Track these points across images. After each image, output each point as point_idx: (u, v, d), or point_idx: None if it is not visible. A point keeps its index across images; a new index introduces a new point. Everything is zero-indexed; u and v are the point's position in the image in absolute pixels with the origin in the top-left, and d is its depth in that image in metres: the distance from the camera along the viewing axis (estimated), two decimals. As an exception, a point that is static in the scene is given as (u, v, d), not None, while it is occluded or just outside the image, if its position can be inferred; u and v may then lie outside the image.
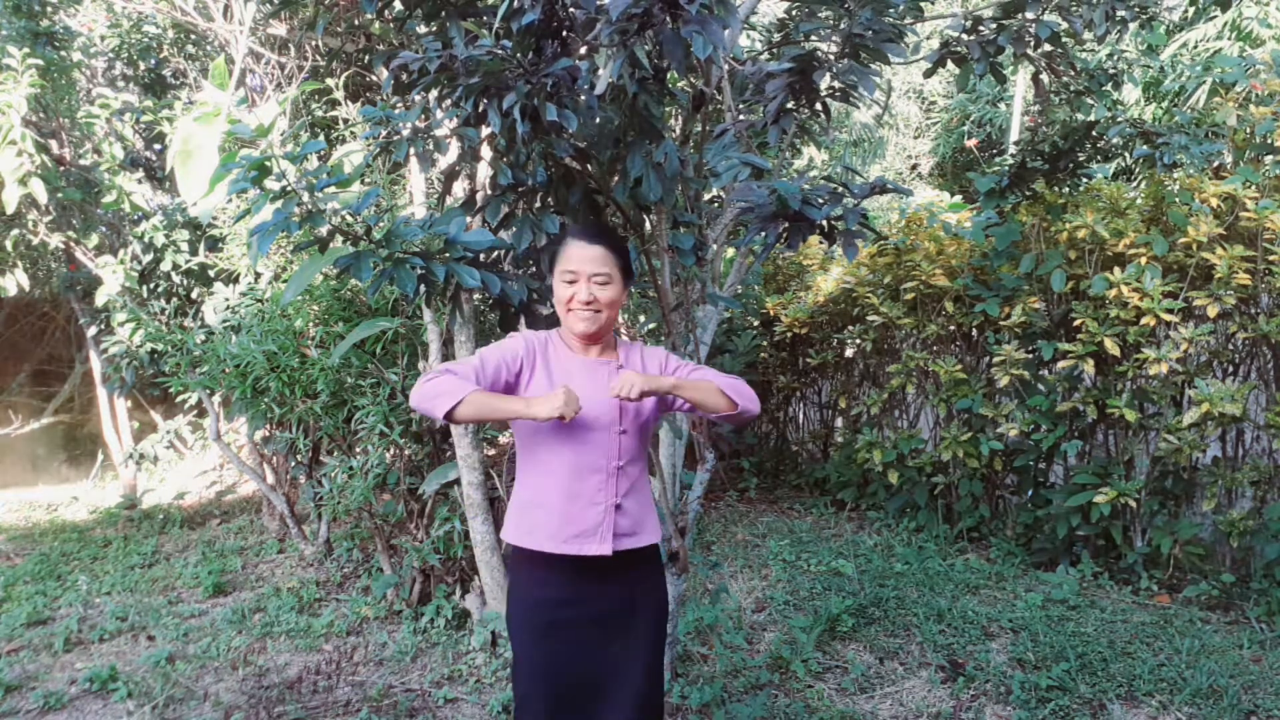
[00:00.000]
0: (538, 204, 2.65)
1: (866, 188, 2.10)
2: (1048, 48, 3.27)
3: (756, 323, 6.42)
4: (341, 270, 2.25)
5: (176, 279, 5.55)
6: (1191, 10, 10.19)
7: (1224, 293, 4.10)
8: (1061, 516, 4.50)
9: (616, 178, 2.56)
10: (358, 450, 4.15)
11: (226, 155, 4.02)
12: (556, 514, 1.96)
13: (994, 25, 3.06)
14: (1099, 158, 4.67)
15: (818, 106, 2.59)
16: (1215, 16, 9.58)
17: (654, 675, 2.07)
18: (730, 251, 5.03)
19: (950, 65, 3.15)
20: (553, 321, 2.52)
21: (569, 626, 1.99)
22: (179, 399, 5.34)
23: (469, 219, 2.72)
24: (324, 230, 2.21)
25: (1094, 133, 4.41)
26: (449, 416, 1.82)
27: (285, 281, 4.67)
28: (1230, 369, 4.55)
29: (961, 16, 3.09)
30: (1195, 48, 9.82)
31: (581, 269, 1.96)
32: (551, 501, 1.97)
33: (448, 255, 2.34)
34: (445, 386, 1.84)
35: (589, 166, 2.56)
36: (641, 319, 4.14)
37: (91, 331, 6.32)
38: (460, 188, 3.29)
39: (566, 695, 1.99)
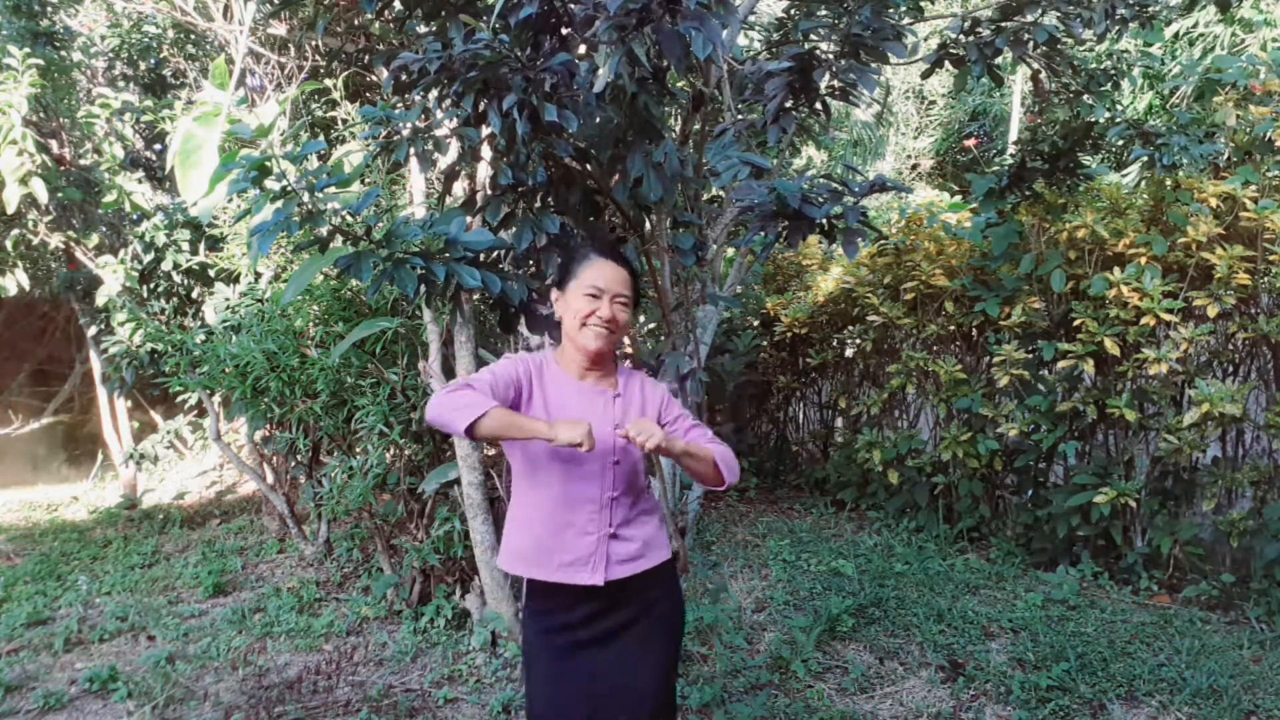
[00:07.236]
0: (538, 204, 2.65)
1: (866, 186, 2.10)
2: (1046, 49, 3.27)
3: (756, 323, 6.41)
4: (341, 270, 2.25)
5: (177, 279, 5.55)
6: (1188, -1, 10.14)
7: (1224, 293, 4.10)
8: (1061, 517, 4.49)
9: (616, 178, 2.56)
10: (358, 450, 4.14)
11: (227, 155, 4.01)
12: (545, 542, 1.95)
13: (992, 27, 3.06)
14: (1094, 153, 4.68)
15: (817, 106, 2.59)
16: (1207, 5, 9.56)
17: (667, 689, 2.06)
18: (730, 251, 5.03)
19: (949, 66, 3.15)
20: (552, 322, 2.52)
21: (585, 646, 1.99)
22: (179, 399, 5.35)
23: (469, 219, 2.72)
24: (324, 230, 2.21)
25: (1094, 133, 4.41)
26: (470, 431, 1.77)
27: (285, 281, 4.67)
28: (1230, 369, 4.55)
29: (960, 18, 3.09)
30: (1190, 33, 9.78)
31: (609, 288, 1.96)
32: (541, 529, 1.96)
33: (448, 255, 2.34)
34: (466, 400, 1.80)
35: (589, 166, 2.56)
36: (641, 319, 4.14)
37: (91, 331, 6.31)
38: (460, 188, 3.29)
39: (583, 713, 1.98)
